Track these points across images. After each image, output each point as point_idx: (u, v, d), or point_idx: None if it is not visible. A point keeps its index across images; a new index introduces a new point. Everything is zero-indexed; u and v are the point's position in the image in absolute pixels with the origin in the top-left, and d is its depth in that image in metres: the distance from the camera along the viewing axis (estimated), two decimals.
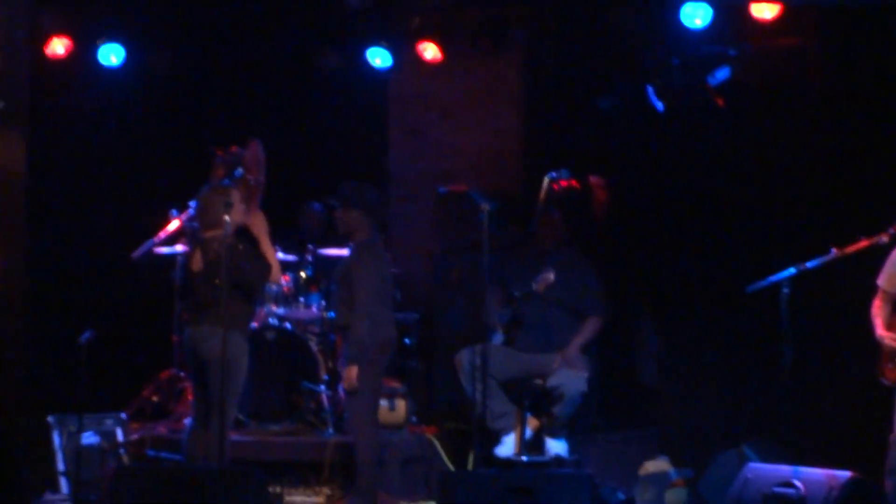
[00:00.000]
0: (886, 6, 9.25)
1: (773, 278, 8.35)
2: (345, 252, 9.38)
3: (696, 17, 9.72)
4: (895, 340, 8.19)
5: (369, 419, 8.90)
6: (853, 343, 9.09)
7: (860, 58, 10.00)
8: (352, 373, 8.70)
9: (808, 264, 8.32)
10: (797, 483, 7.57)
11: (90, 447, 9.23)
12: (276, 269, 8.57)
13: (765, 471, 7.87)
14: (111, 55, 11.12)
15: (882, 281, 8.41)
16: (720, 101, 10.04)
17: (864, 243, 8.30)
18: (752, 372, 9.95)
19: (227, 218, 8.22)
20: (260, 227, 8.56)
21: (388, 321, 9.02)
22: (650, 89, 10.23)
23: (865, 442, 9.17)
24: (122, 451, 9.46)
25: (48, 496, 9.13)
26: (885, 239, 8.25)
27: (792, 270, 8.30)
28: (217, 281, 8.19)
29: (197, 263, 8.48)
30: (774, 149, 10.35)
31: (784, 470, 7.76)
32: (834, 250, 8.34)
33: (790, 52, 10.31)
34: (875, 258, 8.45)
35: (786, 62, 10.33)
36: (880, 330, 8.29)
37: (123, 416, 9.78)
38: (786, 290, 8.24)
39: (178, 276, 10.25)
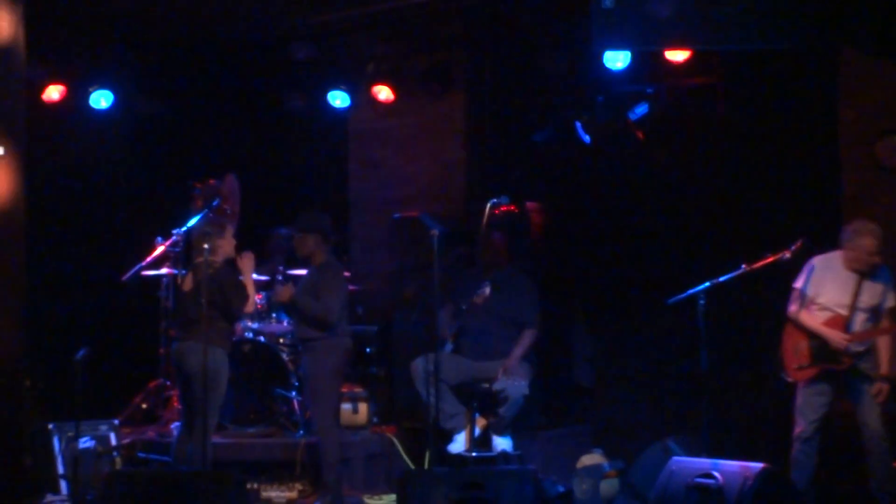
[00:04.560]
0: (779, 51, 9.42)
1: (691, 291, 8.38)
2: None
3: (616, 60, 9.70)
4: (845, 339, 8.24)
5: (333, 421, 8.75)
6: (761, 346, 9.22)
7: (759, 94, 10.21)
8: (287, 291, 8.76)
9: (721, 278, 8.36)
10: (716, 474, 7.51)
11: (86, 451, 9.06)
12: (251, 301, 8.48)
13: (687, 463, 7.81)
14: (101, 100, 11.21)
15: (799, 283, 8.50)
16: (640, 134, 10.19)
17: (769, 259, 8.40)
18: (674, 374, 10.08)
19: (206, 245, 8.13)
20: (248, 266, 8.50)
21: (348, 333, 8.90)
22: (578, 124, 10.37)
23: (775, 436, 9.33)
24: (115, 454, 9.28)
25: (49, 497, 8.93)
26: (787, 255, 8.38)
27: (707, 284, 8.32)
28: (202, 300, 8.04)
29: (188, 284, 8.40)
30: (689, 175, 10.56)
31: (704, 462, 7.70)
32: (743, 266, 8.40)
33: (699, 90, 10.43)
34: (779, 272, 8.50)
35: (695, 98, 10.47)
36: (839, 335, 8.25)
37: (116, 422, 9.63)
38: (702, 302, 8.27)
39: (163, 296, 10.27)
